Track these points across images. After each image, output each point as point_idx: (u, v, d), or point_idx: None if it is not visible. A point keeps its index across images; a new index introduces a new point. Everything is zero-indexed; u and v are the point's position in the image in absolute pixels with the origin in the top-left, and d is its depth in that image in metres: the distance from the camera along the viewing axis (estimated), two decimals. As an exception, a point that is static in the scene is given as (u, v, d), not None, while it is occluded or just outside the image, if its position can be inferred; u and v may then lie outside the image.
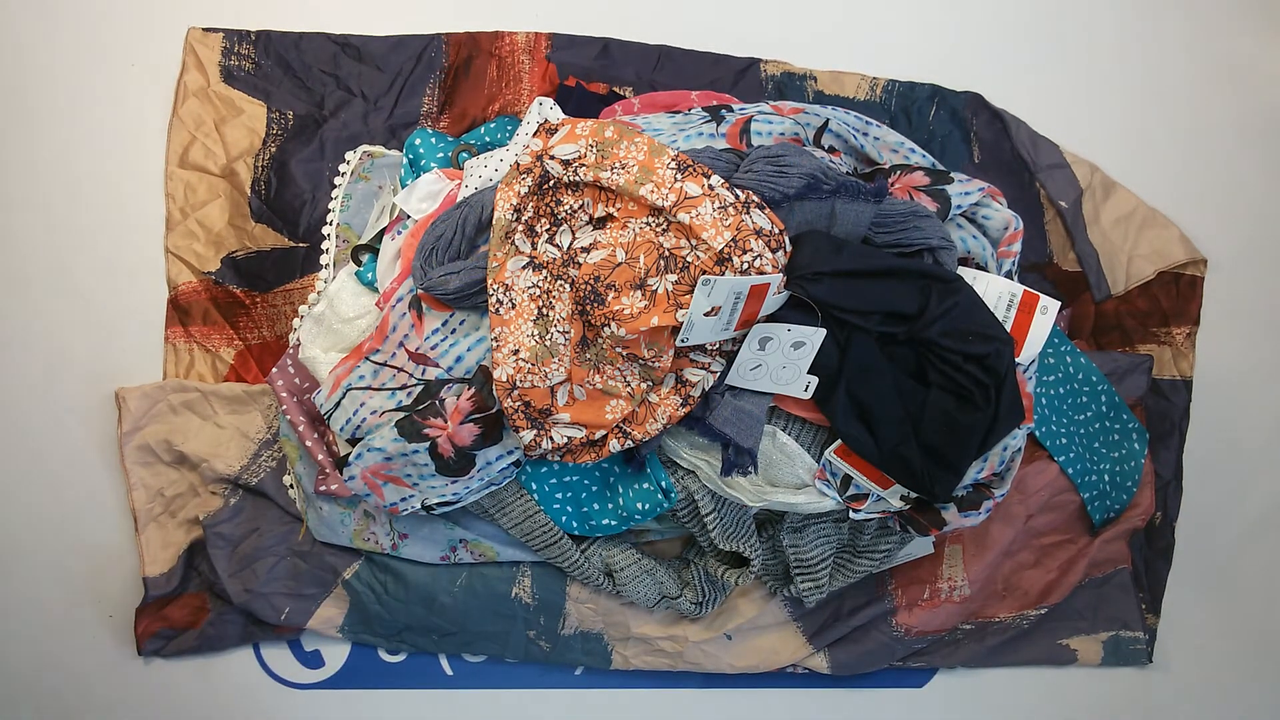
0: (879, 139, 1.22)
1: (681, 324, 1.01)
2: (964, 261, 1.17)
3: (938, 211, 1.15)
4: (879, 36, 1.40)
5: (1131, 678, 1.39)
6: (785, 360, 1.07)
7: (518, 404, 1.06)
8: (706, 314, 1.00)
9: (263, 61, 1.31)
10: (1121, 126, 1.42)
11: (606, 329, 1.03)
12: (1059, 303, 1.14)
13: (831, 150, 1.19)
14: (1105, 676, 1.38)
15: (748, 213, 1.02)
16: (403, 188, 1.21)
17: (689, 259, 1.01)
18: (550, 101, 1.21)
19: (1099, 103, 1.42)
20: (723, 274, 1.00)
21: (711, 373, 1.09)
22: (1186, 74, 1.43)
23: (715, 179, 1.03)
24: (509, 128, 1.29)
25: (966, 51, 1.41)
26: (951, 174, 1.18)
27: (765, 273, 1.01)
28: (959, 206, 1.17)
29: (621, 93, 1.32)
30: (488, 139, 1.28)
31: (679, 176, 1.03)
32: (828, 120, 1.18)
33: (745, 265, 1.00)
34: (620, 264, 1.04)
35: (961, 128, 1.38)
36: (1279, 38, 1.43)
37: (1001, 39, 1.42)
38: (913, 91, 1.38)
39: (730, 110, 1.18)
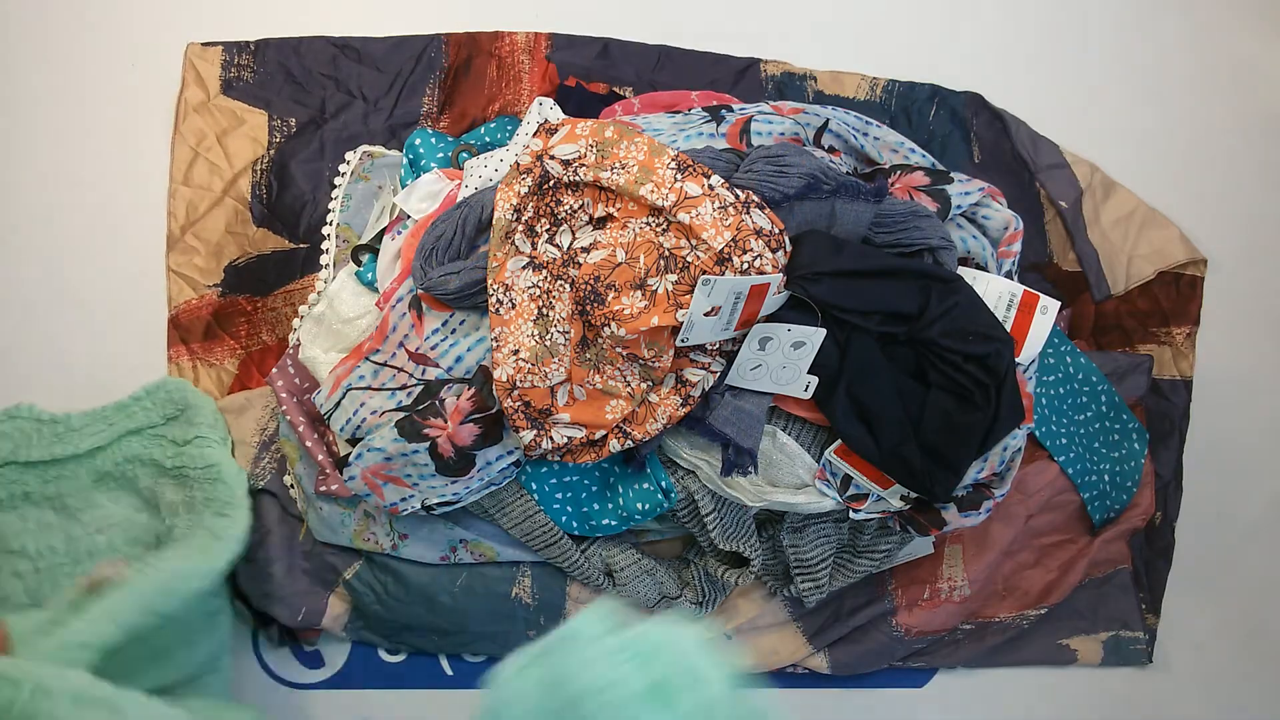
0: (879, 139, 1.22)
1: (681, 324, 1.01)
2: (964, 261, 1.18)
3: (938, 211, 1.15)
4: (879, 36, 1.40)
5: (1131, 678, 1.39)
6: (785, 360, 1.07)
7: (518, 404, 1.06)
8: (706, 314, 1.00)
9: (262, 70, 1.31)
10: (1121, 126, 1.42)
11: (606, 329, 1.03)
12: (1059, 303, 1.14)
13: (831, 150, 1.19)
14: (1105, 676, 1.38)
15: (748, 213, 1.02)
16: (403, 188, 1.21)
17: (689, 259, 1.01)
18: (550, 101, 1.21)
19: (1099, 103, 1.42)
20: (723, 274, 1.00)
21: (711, 373, 1.09)
22: (1186, 74, 1.43)
23: (715, 179, 1.03)
24: (509, 128, 1.29)
25: (966, 51, 1.41)
26: (951, 174, 1.18)
27: (765, 273, 1.01)
28: (959, 206, 1.17)
29: (621, 93, 1.32)
30: (488, 139, 1.28)
31: (679, 176, 1.02)
32: (828, 120, 1.18)
33: (745, 265, 1.00)
34: (620, 264, 1.04)
35: (961, 128, 1.38)
36: (1279, 38, 1.43)
37: (1001, 39, 1.42)
38: (913, 91, 1.38)
39: (730, 110, 1.18)
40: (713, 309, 1.00)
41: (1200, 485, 1.39)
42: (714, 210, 1.01)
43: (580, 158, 1.05)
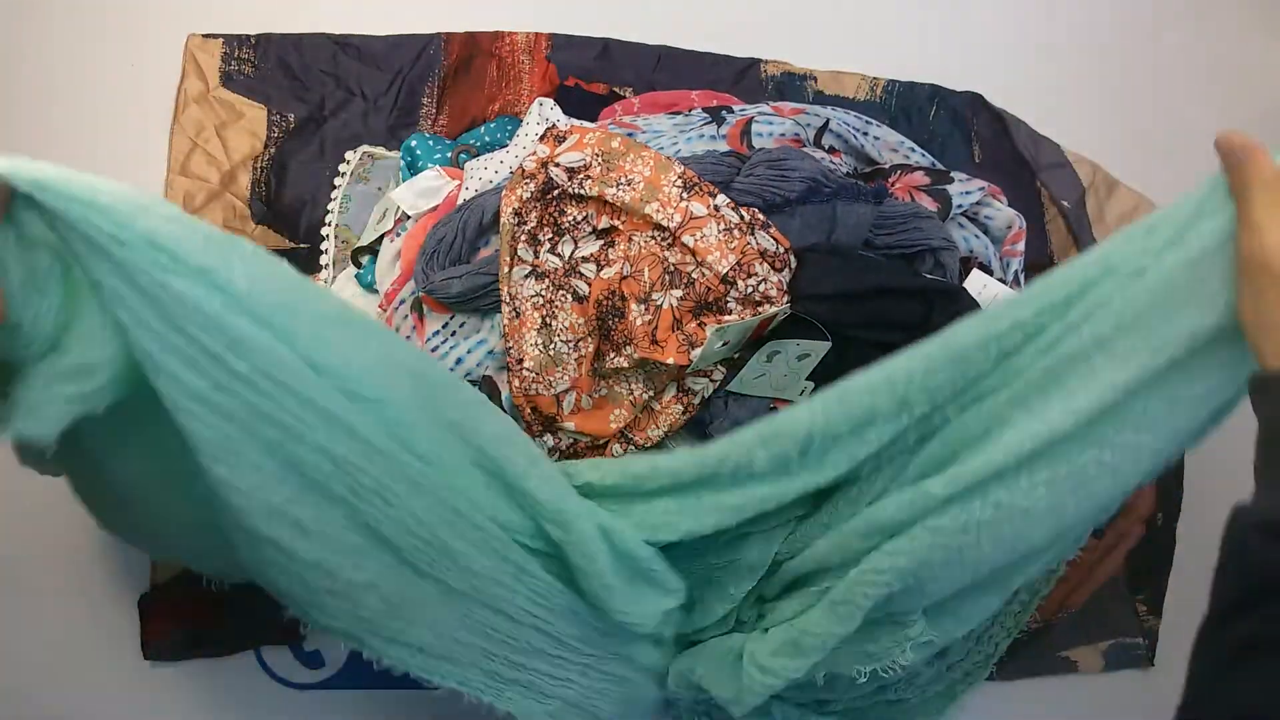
0: (879, 139, 1.22)
1: (694, 359, 1.01)
2: (966, 261, 1.17)
3: (938, 211, 1.15)
4: (879, 36, 1.40)
5: (1132, 679, 1.39)
6: (788, 369, 1.07)
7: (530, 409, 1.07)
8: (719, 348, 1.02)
9: (262, 64, 1.31)
10: (1121, 126, 1.41)
11: (626, 348, 1.03)
12: None
13: (832, 150, 1.19)
14: (1106, 678, 1.38)
15: (753, 234, 1.02)
16: (401, 188, 1.20)
17: (693, 275, 1.02)
18: (550, 102, 1.21)
19: (1099, 103, 1.41)
20: (727, 293, 1.00)
21: (713, 381, 1.09)
22: (1186, 74, 1.43)
23: (721, 198, 1.02)
24: (509, 128, 1.29)
25: (966, 51, 1.41)
26: (952, 173, 1.18)
27: (769, 295, 1.01)
28: (960, 206, 1.16)
29: (621, 93, 1.32)
30: (487, 138, 1.28)
31: (685, 195, 1.02)
32: (828, 120, 1.18)
33: (750, 289, 1.00)
34: (626, 277, 1.04)
35: (962, 128, 1.37)
36: (1279, 38, 1.43)
37: (1001, 39, 1.41)
38: (913, 91, 1.38)
39: (731, 111, 1.17)
40: (724, 343, 1.01)
41: (1200, 485, 1.38)
42: (719, 233, 1.01)
43: (586, 168, 1.05)
